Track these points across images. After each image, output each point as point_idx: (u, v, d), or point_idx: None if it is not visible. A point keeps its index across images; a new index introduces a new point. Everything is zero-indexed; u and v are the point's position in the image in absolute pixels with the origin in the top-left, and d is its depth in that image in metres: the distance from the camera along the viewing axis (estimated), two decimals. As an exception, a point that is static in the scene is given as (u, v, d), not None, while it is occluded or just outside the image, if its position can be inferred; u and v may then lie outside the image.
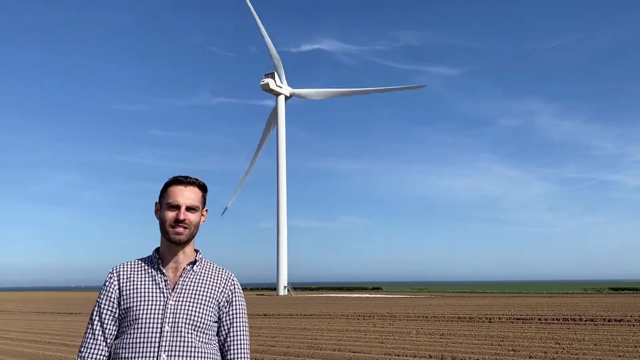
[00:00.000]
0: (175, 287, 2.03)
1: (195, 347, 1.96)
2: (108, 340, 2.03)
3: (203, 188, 2.15)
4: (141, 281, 2.05)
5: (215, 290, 2.08)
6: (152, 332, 1.94)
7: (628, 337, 12.42)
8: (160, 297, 2.00)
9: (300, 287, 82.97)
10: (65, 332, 17.07)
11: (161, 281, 2.04)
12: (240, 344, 2.09)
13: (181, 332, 1.95)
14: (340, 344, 12.24)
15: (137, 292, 2.01)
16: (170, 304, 1.99)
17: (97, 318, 2.04)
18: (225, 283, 2.12)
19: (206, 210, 2.18)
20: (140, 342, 1.93)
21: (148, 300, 1.99)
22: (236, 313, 2.12)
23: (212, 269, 2.15)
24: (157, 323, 1.95)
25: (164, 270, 2.07)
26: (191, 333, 1.97)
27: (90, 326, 2.05)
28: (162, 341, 1.93)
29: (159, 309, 1.97)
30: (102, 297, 2.06)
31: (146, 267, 2.09)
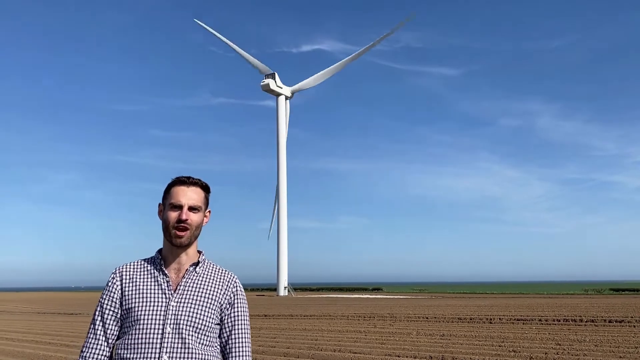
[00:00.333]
0: (178, 288, 2.03)
1: (196, 348, 1.96)
2: (110, 341, 2.03)
3: (206, 189, 2.15)
4: (143, 282, 2.04)
5: (217, 292, 2.08)
6: (153, 333, 1.94)
7: (629, 338, 12.41)
8: (162, 298, 2.00)
9: (301, 288, 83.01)
10: (66, 333, 17.07)
11: (163, 282, 2.04)
12: (242, 347, 2.09)
13: (182, 333, 1.95)
14: (340, 345, 12.24)
15: (139, 293, 2.01)
16: (172, 306, 1.98)
17: (99, 318, 2.04)
18: (227, 285, 2.12)
19: (209, 211, 2.18)
20: (141, 343, 1.93)
21: (150, 301, 1.99)
22: (238, 315, 2.11)
23: (215, 271, 2.14)
24: (159, 324, 1.95)
25: (166, 272, 2.06)
26: (192, 335, 1.97)
27: (92, 326, 2.05)
28: (164, 342, 1.93)
29: (160, 310, 1.97)
30: (104, 297, 2.06)
31: (149, 268, 2.09)
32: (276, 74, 62.30)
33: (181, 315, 1.97)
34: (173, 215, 2.04)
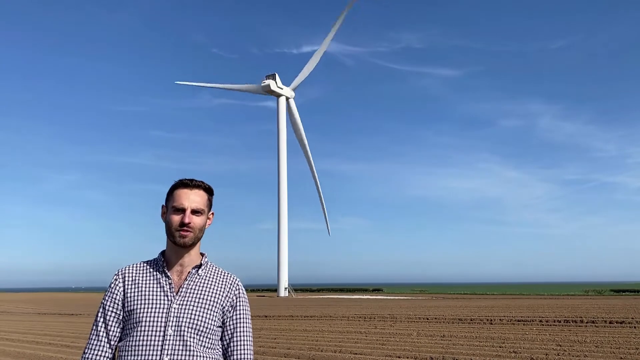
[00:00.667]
0: (180, 290, 2.03)
1: (198, 351, 1.96)
2: (112, 342, 2.03)
3: (209, 191, 2.15)
4: (146, 284, 2.04)
5: (219, 294, 2.07)
6: (155, 336, 1.94)
7: (629, 339, 12.40)
8: (164, 300, 2.00)
9: (301, 289, 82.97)
10: (66, 333, 17.07)
11: (166, 284, 2.04)
12: (244, 350, 2.09)
13: (184, 336, 1.95)
14: (340, 346, 12.24)
15: (141, 295, 2.01)
16: (174, 308, 1.98)
17: (101, 319, 2.04)
18: (230, 288, 2.12)
19: (212, 213, 2.17)
20: (143, 345, 1.93)
21: (152, 303, 1.99)
22: (240, 318, 2.11)
23: (217, 273, 2.14)
24: (161, 326, 1.95)
25: (169, 274, 2.06)
26: (194, 337, 1.96)
27: (94, 327, 2.05)
28: (165, 345, 1.93)
29: (162, 313, 1.97)
30: (106, 298, 2.06)
31: (151, 270, 2.09)
32: (276, 75, 62.35)
33: (183, 317, 1.97)
34: (176, 218, 2.04)
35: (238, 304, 2.12)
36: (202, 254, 2.16)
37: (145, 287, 2.03)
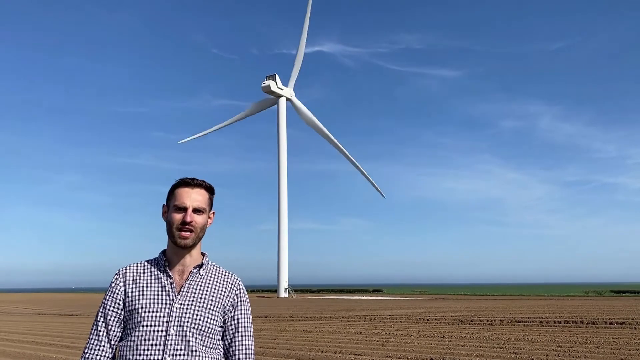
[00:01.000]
0: (181, 290, 2.02)
1: (200, 351, 1.96)
2: (112, 342, 2.02)
3: (210, 190, 2.14)
4: (147, 283, 2.04)
5: (221, 294, 2.07)
6: (157, 335, 1.93)
7: (630, 340, 12.40)
8: (166, 300, 1.99)
9: (301, 289, 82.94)
10: (67, 334, 17.07)
11: (167, 284, 2.03)
12: (245, 350, 2.08)
13: (186, 336, 1.94)
14: (341, 346, 12.24)
15: (142, 295, 2.01)
16: (176, 308, 1.98)
17: (101, 319, 2.03)
18: (231, 287, 2.11)
19: (213, 212, 2.17)
20: (144, 345, 1.92)
21: (154, 303, 1.98)
22: (241, 318, 2.11)
23: (219, 273, 2.13)
24: (162, 326, 1.94)
25: (170, 273, 2.06)
26: (196, 337, 1.96)
27: (94, 327, 2.04)
28: (167, 344, 1.92)
29: (164, 312, 1.96)
30: (107, 298, 2.05)
31: (152, 269, 2.08)
32: (277, 76, 62.36)
33: (185, 317, 1.97)
34: (177, 217, 2.03)
35: (239, 303, 2.12)
36: (203, 254, 2.15)
37: (147, 287, 2.02)
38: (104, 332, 2.02)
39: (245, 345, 2.09)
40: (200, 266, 2.10)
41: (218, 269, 2.16)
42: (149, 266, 2.10)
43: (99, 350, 2.00)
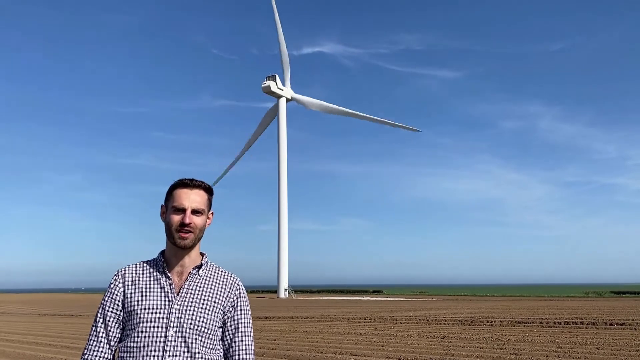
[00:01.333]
0: (181, 291, 2.01)
1: (200, 352, 1.95)
2: (112, 343, 2.01)
3: (209, 191, 2.13)
4: (146, 284, 2.03)
5: (220, 295, 2.06)
6: (156, 337, 1.92)
7: (630, 341, 12.38)
8: (165, 301, 1.99)
9: (301, 290, 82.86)
10: (67, 334, 17.06)
11: (166, 285, 2.02)
12: (245, 350, 2.08)
13: (186, 337, 1.94)
14: (341, 347, 12.23)
15: (141, 296, 2.00)
16: (175, 309, 1.97)
17: (101, 320, 2.02)
18: (230, 288, 2.10)
19: (212, 213, 2.15)
20: (144, 346, 1.92)
21: (153, 304, 1.97)
22: (241, 318, 2.10)
23: (218, 274, 2.13)
24: (162, 327, 1.94)
25: (169, 274, 2.05)
26: (196, 338, 1.95)
27: (94, 328, 2.03)
28: (167, 346, 1.91)
29: (163, 313, 1.96)
30: (106, 299, 2.05)
31: (151, 270, 2.07)
32: (277, 76, 62.39)
33: (184, 318, 1.96)
34: (176, 218, 2.02)
35: (239, 304, 2.11)
36: (202, 254, 2.14)
37: (146, 288, 2.01)
38: (103, 333, 2.01)
39: (245, 345, 2.08)
40: (199, 267, 2.09)
41: (217, 269, 2.15)
42: (148, 267, 2.09)
43: (98, 351, 1.99)
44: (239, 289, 2.14)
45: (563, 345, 11.95)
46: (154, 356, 1.90)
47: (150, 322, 1.94)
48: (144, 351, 1.91)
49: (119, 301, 2.03)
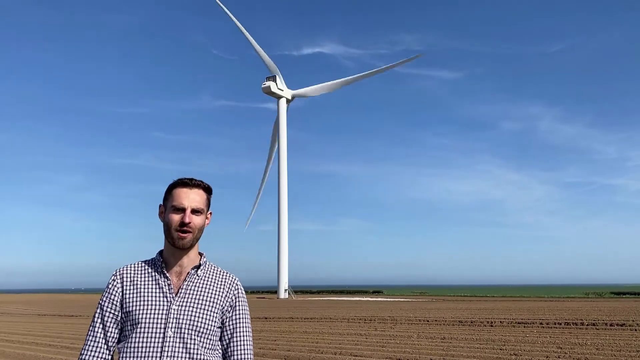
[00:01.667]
0: (179, 291, 2.00)
1: (198, 352, 1.94)
2: (110, 344, 2.00)
3: (208, 190, 2.12)
4: (144, 285, 2.02)
5: (219, 295, 2.05)
6: (154, 337, 1.91)
7: (630, 341, 12.38)
8: (163, 301, 1.98)
9: (301, 290, 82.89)
10: (67, 335, 17.05)
11: (165, 285, 2.01)
12: (244, 350, 2.07)
13: (184, 337, 1.93)
14: (341, 348, 12.22)
15: (140, 296, 1.99)
16: (174, 309, 1.96)
17: (99, 321, 2.01)
18: (229, 288, 2.09)
19: (210, 213, 2.14)
20: (142, 347, 1.91)
21: (151, 305, 1.96)
22: (239, 318, 2.09)
23: (216, 274, 2.11)
24: (160, 328, 1.93)
25: (167, 274, 2.04)
26: (194, 339, 1.94)
27: (92, 328, 2.02)
28: (165, 346, 1.90)
29: (162, 314, 1.95)
30: (104, 299, 2.03)
31: (150, 270, 2.06)
32: (277, 77, 62.42)
33: (183, 318, 1.95)
34: (175, 217, 2.01)
35: (237, 304, 2.10)
36: (200, 254, 2.13)
37: (144, 288, 2.00)
38: (101, 333, 2.00)
39: (244, 345, 2.07)
40: (197, 267, 2.08)
41: (216, 269, 2.14)
42: (146, 267, 2.08)
43: (96, 352, 1.98)
44: (238, 289, 2.13)
45: (563, 346, 11.94)
46: (152, 357, 1.89)
47: (148, 322, 1.93)
48: (142, 352, 1.90)
49: (117, 301, 2.02)
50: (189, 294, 2.01)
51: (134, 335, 1.94)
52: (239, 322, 2.09)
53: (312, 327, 18.07)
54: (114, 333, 2.01)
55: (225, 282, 2.10)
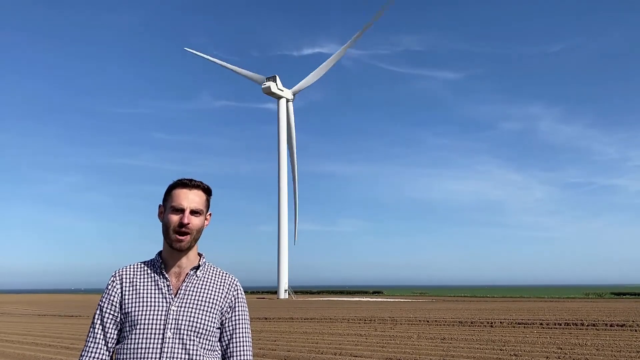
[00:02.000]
0: (178, 292, 2.00)
1: (197, 353, 1.94)
2: (109, 345, 1.99)
3: (207, 191, 2.11)
4: (144, 286, 2.01)
5: (218, 296, 2.05)
6: (153, 338, 1.91)
7: (630, 342, 12.37)
8: (162, 302, 1.97)
9: (301, 291, 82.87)
10: (66, 335, 17.04)
11: (164, 286, 2.01)
12: (243, 351, 2.06)
13: (183, 338, 1.92)
14: (341, 348, 12.22)
15: (139, 297, 1.98)
16: (173, 310, 1.95)
17: (98, 322, 2.01)
18: (228, 288, 2.09)
19: (210, 214, 2.14)
20: (141, 348, 1.90)
21: (150, 306, 1.96)
22: (239, 319, 2.08)
23: (216, 274, 2.11)
24: (159, 329, 1.92)
25: (166, 275, 2.03)
26: (193, 340, 1.94)
27: (91, 330, 2.01)
28: (164, 347, 1.90)
29: (161, 315, 1.94)
30: (104, 300, 2.03)
31: (149, 271, 2.05)
32: (277, 77, 62.46)
33: (182, 320, 1.94)
34: (175, 218, 2.00)
35: (237, 304, 2.09)
36: (199, 255, 2.13)
37: (143, 289, 2.00)
38: (100, 334, 1.99)
39: (243, 346, 2.06)
40: (197, 268, 2.07)
41: (215, 269, 2.13)
42: (146, 268, 2.07)
43: (96, 352, 1.98)
44: (237, 289, 2.12)
45: (563, 346, 11.94)
46: (151, 358, 1.89)
47: (147, 323, 1.93)
48: (140, 353, 1.90)
49: (116, 302, 2.01)
50: (188, 295, 2.00)
51: (132, 336, 1.93)
52: (239, 323, 2.08)
53: (312, 328, 18.07)
54: (114, 334, 2.00)
55: (224, 282, 2.09)
